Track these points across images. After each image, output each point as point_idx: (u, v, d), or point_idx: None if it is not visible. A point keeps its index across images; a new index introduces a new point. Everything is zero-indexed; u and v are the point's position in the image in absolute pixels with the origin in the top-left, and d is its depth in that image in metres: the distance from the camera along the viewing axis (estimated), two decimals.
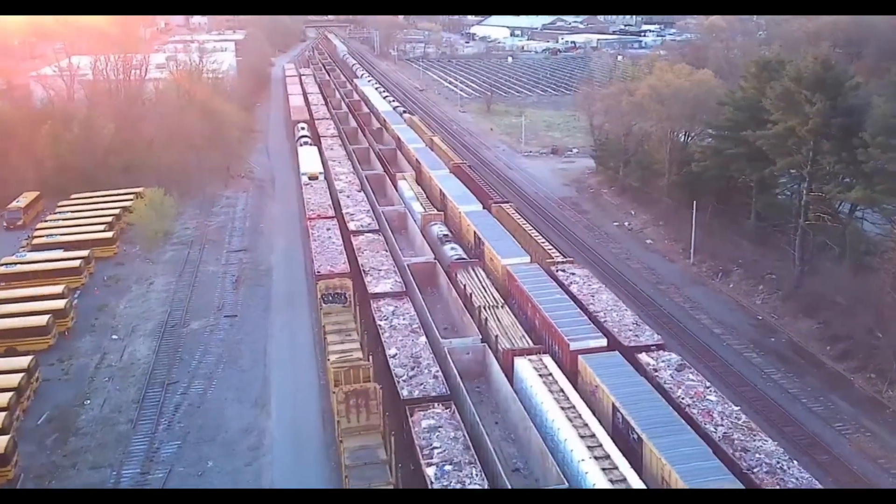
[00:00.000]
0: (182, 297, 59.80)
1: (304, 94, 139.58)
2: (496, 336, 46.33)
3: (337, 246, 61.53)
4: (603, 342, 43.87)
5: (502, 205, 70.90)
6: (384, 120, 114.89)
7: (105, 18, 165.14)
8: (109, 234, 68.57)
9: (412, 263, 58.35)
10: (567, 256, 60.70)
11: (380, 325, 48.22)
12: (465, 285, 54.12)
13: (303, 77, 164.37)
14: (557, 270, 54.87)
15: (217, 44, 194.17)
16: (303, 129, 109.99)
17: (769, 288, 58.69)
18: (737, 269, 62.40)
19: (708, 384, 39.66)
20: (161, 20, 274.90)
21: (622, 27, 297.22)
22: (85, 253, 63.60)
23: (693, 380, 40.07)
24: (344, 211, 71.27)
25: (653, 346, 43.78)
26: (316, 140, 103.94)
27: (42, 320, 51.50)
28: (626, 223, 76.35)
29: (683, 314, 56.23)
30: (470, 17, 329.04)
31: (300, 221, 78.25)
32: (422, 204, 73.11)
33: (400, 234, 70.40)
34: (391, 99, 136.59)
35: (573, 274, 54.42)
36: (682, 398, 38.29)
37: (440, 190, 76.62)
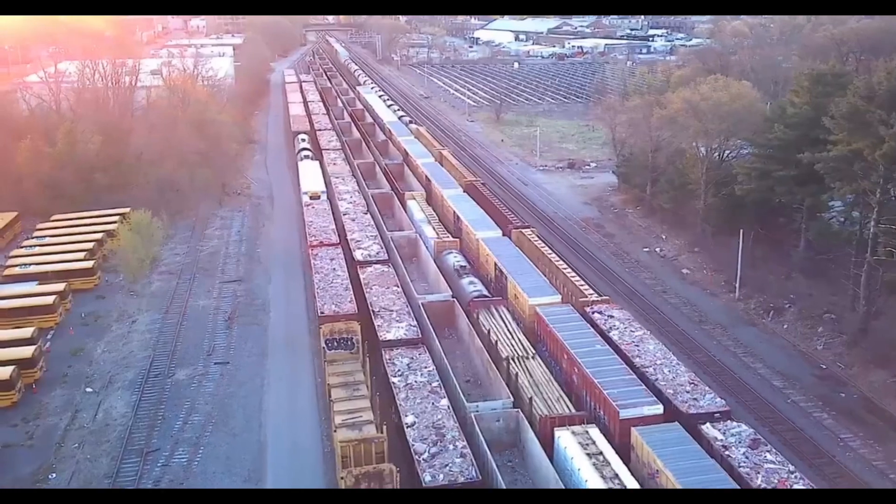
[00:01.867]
0: (168, 338, 53.18)
1: (305, 102, 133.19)
2: (530, 398, 39.69)
3: (342, 281, 54.94)
4: (658, 409, 37.22)
5: (523, 230, 64.31)
6: (389, 131, 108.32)
7: (101, 21, 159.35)
8: (90, 264, 61.88)
9: (428, 303, 51.69)
10: (596, 288, 54.34)
11: (393, 384, 41.58)
12: (488, 330, 47.50)
13: (303, 83, 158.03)
14: (593, 312, 48.24)
15: (215, 48, 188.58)
16: (303, 140, 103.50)
17: (830, 330, 52.10)
18: (789, 306, 55.82)
19: (792, 468, 32.96)
20: (158, 23, 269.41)
21: (629, 31, 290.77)
22: (61, 286, 57.02)
23: (772, 461, 33.41)
24: (349, 237, 64.64)
25: (717, 413, 37.18)
26: (317, 153, 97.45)
27: (5, 373, 44.83)
28: (658, 249, 69.76)
29: (736, 362, 49.59)
30: (473, 21, 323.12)
31: (300, 246, 71.77)
32: (434, 228, 66.50)
33: (411, 263, 63.77)
34: (396, 108, 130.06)
35: (611, 317, 47.78)
36: (765, 488, 31.65)
37: (454, 212, 69.98)
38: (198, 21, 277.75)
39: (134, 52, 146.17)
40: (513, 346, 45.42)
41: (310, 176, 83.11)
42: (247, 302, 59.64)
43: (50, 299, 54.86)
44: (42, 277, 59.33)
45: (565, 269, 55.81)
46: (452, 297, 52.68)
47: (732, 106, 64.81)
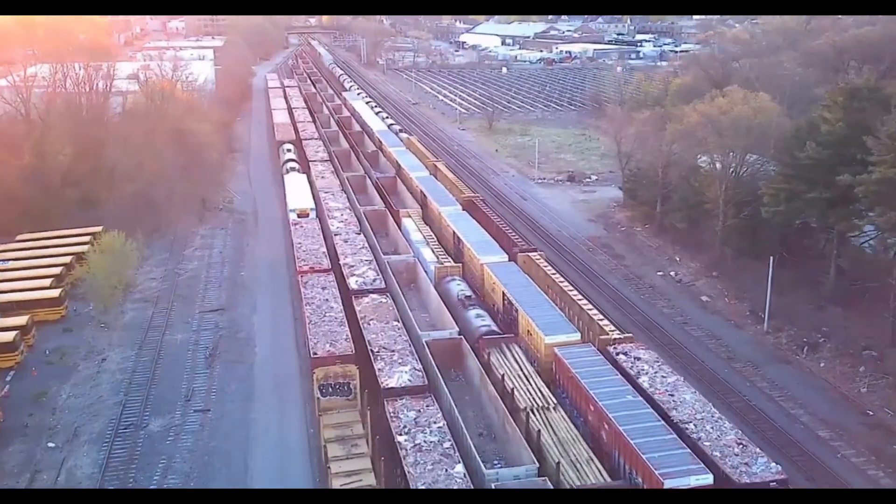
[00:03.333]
0: (141, 380, 47.79)
1: (290, 109, 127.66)
2: (557, 462, 34.75)
3: (336, 314, 49.71)
4: (708, 479, 32.33)
5: (530, 254, 59.45)
6: (379, 141, 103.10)
7: (77, 23, 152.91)
8: (56, 293, 56.22)
9: (433, 340, 46.57)
10: (612, 319, 49.34)
11: (399, 444, 36.45)
12: (502, 374, 42.55)
13: (287, 89, 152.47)
14: (617, 353, 43.40)
15: (194, 51, 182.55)
16: (289, 150, 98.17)
17: (872, 370, 47.58)
18: (824, 340, 51.29)
19: None
20: (136, 25, 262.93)
21: (615, 36, 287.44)
22: (23, 320, 51.47)
23: None
24: (342, 261, 59.42)
25: (774, 482, 32.43)
26: (304, 165, 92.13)
27: None
28: (672, 272, 65.09)
29: (775, 409, 44.88)
30: (459, 25, 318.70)
31: (288, 268, 66.56)
32: (434, 251, 61.49)
33: (409, 289, 58.67)
34: (384, 115, 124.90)
35: (638, 359, 42.94)
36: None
37: (454, 233, 65.00)
38: (176, 22, 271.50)
39: (110, 55, 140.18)
40: (531, 394, 40.49)
41: (297, 191, 77.80)
42: (230, 335, 54.35)
43: (10, 335, 49.21)
44: (2, 308, 53.68)
45: (580, 300, 50.89)
46: (459, 333, 47.60)
47: (754, 121, 60.25)
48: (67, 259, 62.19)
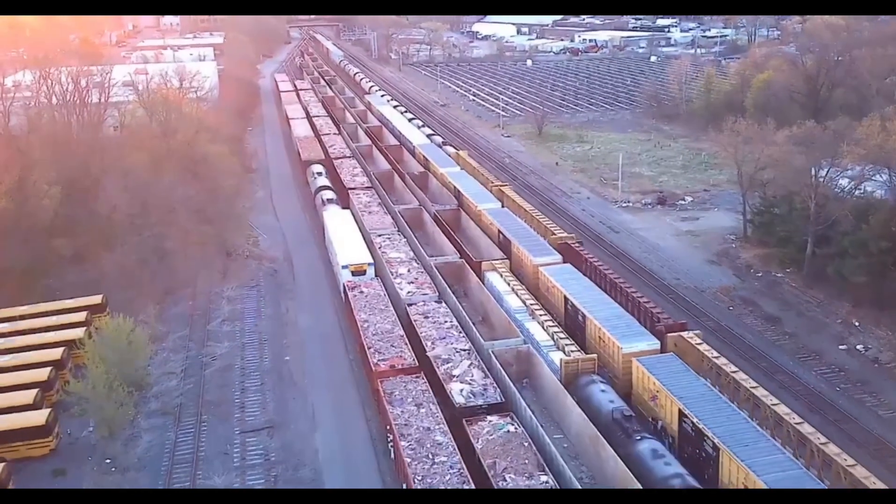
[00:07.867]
0: None
1: (309, 118, 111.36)
2: None
3: (449, 457, 34.06)
4: None
5: (682, 334, 43.72)
6: (425, 158, 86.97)
7: (65, 20, 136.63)
8: (43, 418, 40.11)
9: None
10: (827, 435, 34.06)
11: None
12: None
13: (300, 91, 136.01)
14: None
15: (193, 50, 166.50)
16: (319, 174, 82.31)
17: None
18: None
19: None
20: (129, 22, 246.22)
21: (633, 21, 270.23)
22: None
23: None
24: (429, 352, 43.69)
25: None
26: (341, 193, 76.23)
27: None
28: (859, 346, 49.14)
29: None
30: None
31: (345, 347, 50.94)
32: (547, 330, 45.78)
33: (522, 386, 43.02)
34: (419, 122, 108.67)
35: None
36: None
37: (567, 299, 49.12)
38: (171, 18, 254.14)
39: (102, 57, 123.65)
40: None
41: (343, 236, 61.67)
42: (287, 473, 38.47)
43: None
44: None
45: (798, 423, 35.26)
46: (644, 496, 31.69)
47: None
48: (58, 353, 46.08)
